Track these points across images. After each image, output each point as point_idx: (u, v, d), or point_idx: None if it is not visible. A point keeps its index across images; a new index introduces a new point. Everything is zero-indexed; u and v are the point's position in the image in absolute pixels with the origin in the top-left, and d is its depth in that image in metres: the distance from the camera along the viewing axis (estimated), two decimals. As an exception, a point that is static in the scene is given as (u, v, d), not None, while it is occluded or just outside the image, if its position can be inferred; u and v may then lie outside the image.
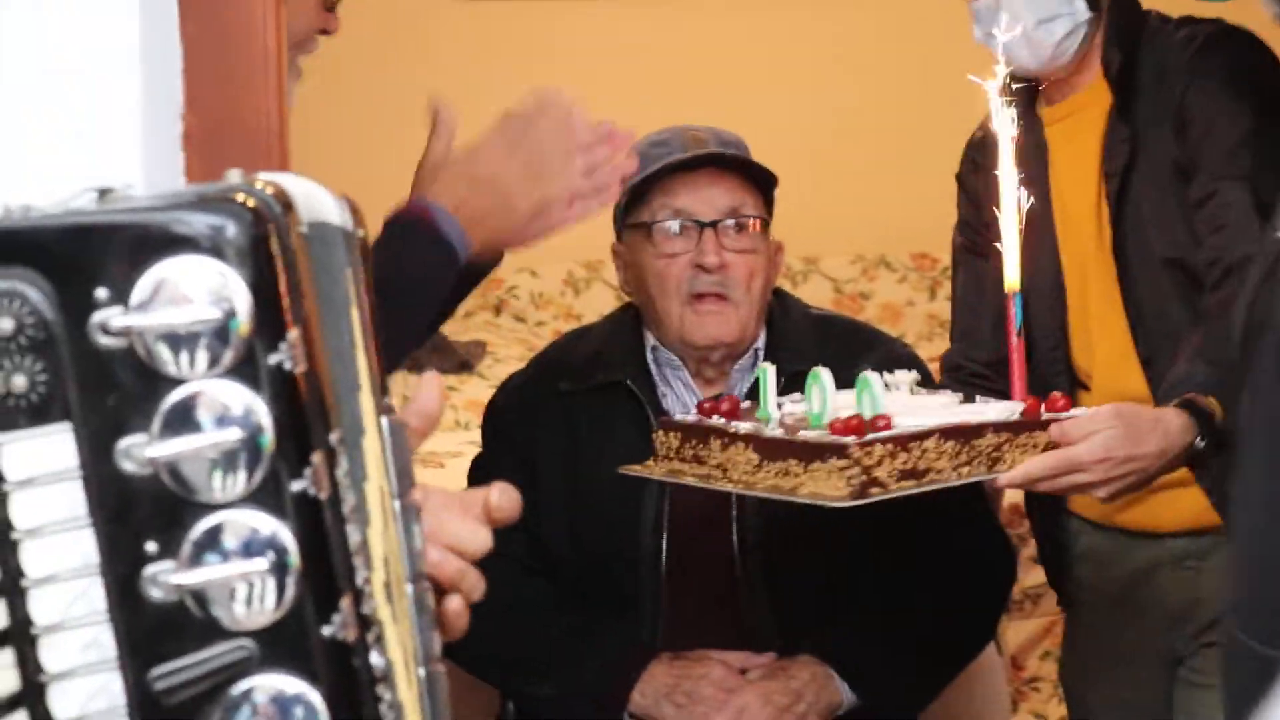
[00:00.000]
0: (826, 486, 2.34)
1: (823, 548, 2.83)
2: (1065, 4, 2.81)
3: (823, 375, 2.47)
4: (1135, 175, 2.83)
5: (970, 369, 3.01)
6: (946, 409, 2.51)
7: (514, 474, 2.92)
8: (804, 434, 2.42)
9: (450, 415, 5.04)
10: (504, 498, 1.35)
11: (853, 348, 2.99)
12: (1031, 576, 3.64)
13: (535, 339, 5.40)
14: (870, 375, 2.45)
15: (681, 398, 2.95)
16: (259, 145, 1.72)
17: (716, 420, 2.57)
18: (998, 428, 2.43)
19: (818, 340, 2.98)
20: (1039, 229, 2.89)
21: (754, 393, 2.92)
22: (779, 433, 2.46)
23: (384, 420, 1.18)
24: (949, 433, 2.39)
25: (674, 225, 2.90)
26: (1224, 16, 2.91)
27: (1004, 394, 2.90)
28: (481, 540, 1.32)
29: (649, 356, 2.98)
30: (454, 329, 5.19)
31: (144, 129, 1.61)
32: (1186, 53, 2.83)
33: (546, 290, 5.54)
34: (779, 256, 3.00)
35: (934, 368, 3.22)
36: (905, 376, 2.64)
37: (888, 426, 2.37)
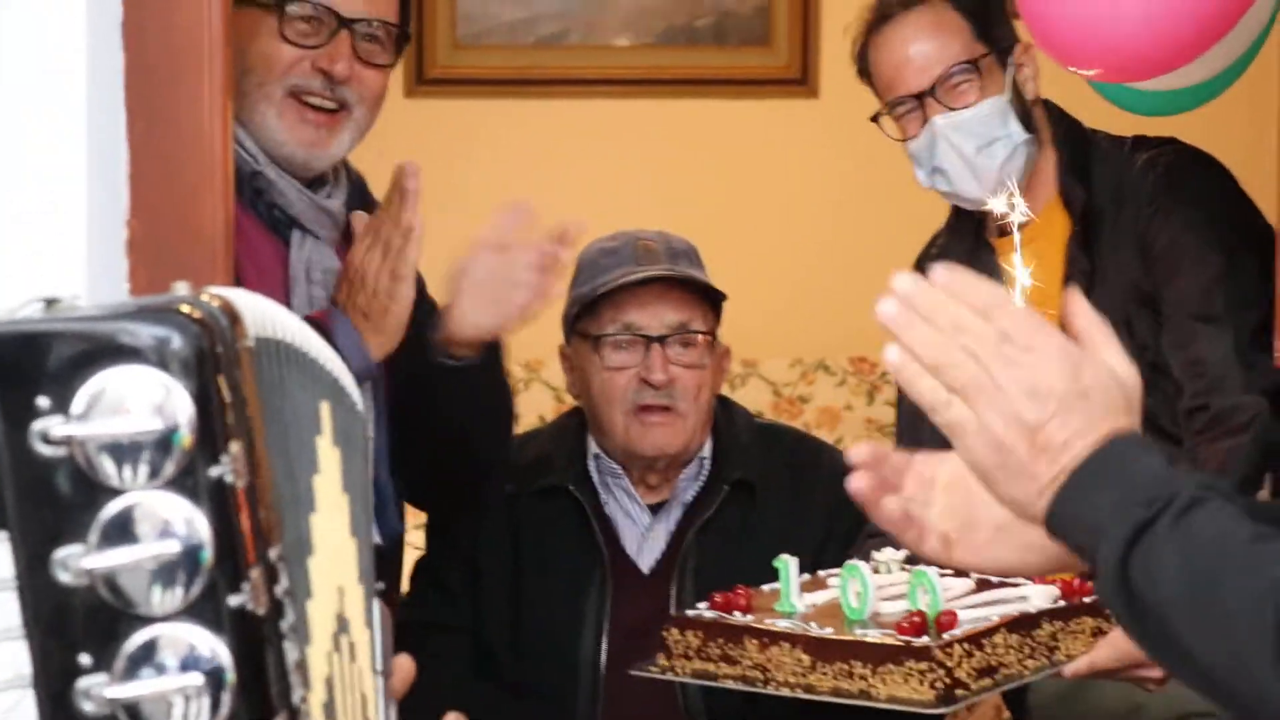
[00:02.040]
0: (905, 690, 2.27)
1: None
2: (1001, 127, 2.80)
3: (862, 569, 2.42)
4: (1093, 305, 2.83)
5: None
6: (975, 594, 2.48)
7: (458, 578, 2.91)
8: (865, 633, 2.34)
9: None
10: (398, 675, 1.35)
11: (798, 457, 2.99)
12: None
13: (473, 440, 5.37)
14: (882, 562, 2.47)
15: (623, 505, 2.95)
16: (204, 252, 1.70)
17: (744, 618, 2.45)
18: (1051, 615, 2.42)
19: (763, 450, 2.97)
20: None
21: (700, 500, 2.91)
22: (828, 632, 2.36)
23: (374, 606, 1.20)
24: (1013, 625, 2.37)
25: (621, 339, 2.89)
26: (1176, 133, 2.91)
27: None
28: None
29: (591, 464, 2.96)
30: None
31: (89, 235, 1.59)
32: (1147, 181, 2.82)
33: (484, 391, 5.50)
34: (725, 361, 3.00)
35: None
36: (893, 555, 2.60)
37: (954, 623, 2.32)
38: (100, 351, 0.99)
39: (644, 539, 2.94)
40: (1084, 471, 1.34)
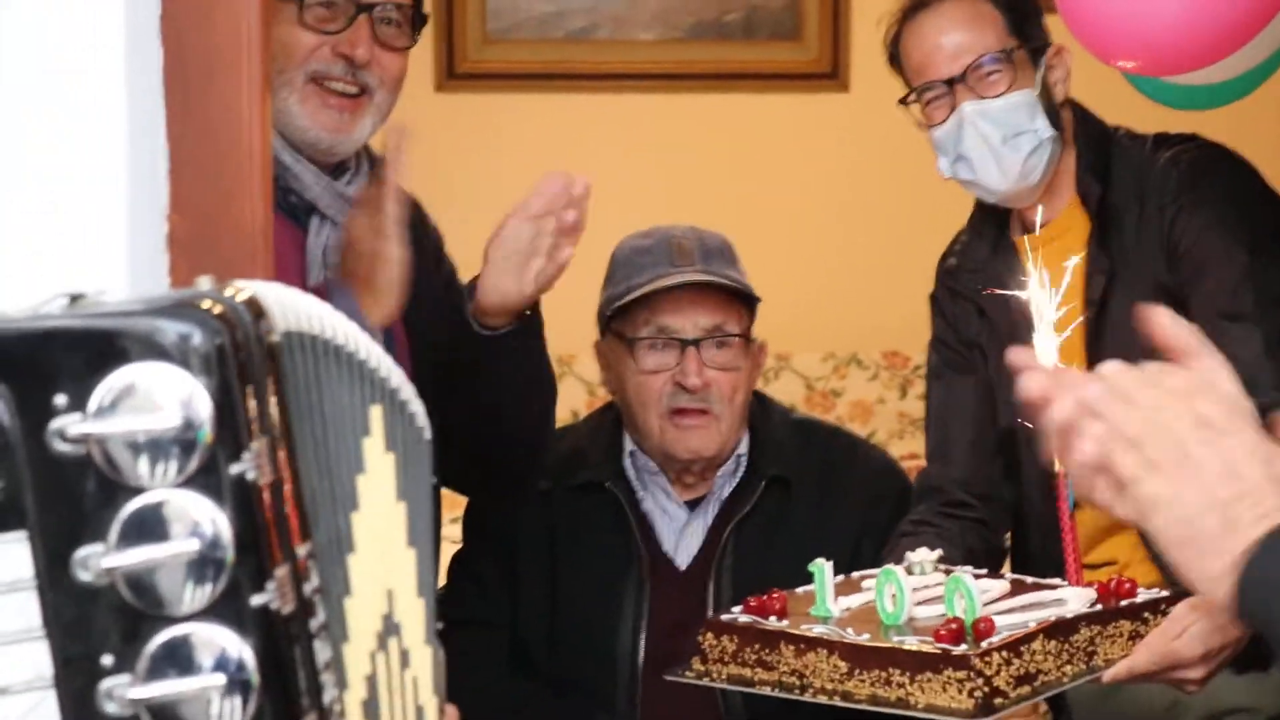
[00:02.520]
0: (943, 699, 2.24)
1: None
2: (1028, 120, 2.77)
3: (897, 573, 2.40)
4: (1113, 302, 2.80)
5: (949, 495, 2.94)
6: (1011, 597, 2.46)
7: (495, 574, 2.91)
8: (902, 640, 2.32)
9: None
10: None
11: (832, 454, 2.97)
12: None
13: (505, 433, 5.36)
14: (918, 565, 2.45)
15: (660, 502, 2.93)
16: (245, 246, 1.70)
17: (780, 623, 2.42)
18: (1089, 620, 2.40)
19: (798, 446, 2.96)
20: None
21: (737, 496, 2.90)
22: (864, 638, 2.33)
23: (434, 632, 1.18)
24: (1050, 631, 2.35)
25: (656, 342, 2.88)
26: (1204, 129, 2.88)
27: (984, 521, 2.87)
28: None
29: (626, 461, 2.95)
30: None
31: (130, 231, 1.59)
32: (1170, 178, 2.78)
33: (518, 385, 5.49)
34: (761, 357, 2.98)
35: (907, 466, 3.19)
36: (927, 555, 2.58)
37: (991, 630, 2.29)
38: (119, 348, 0.98)
39: (680, 535, 2.93)
40: (1275, 548, 1.37)
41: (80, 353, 0.97)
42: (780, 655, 2.39)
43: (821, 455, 2.95)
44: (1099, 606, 2.44)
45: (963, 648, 2.25)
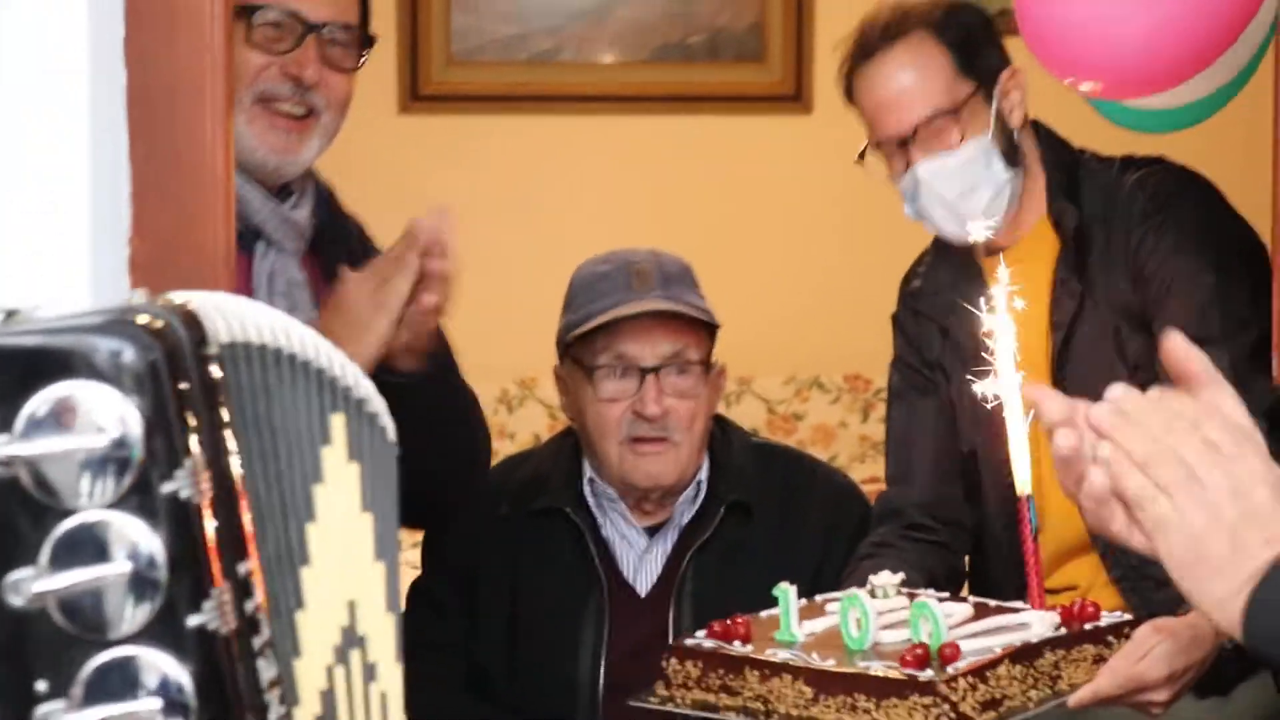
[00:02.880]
0: None
1: None
2: (983, 170, 2.75)
3: (862, 598, 2.39)
4: (1081, 325, 2.79)
5: (909, 517, 2.92)
6: (975, 621, 2.45)
7: (454, 599, 2.89)
8: (868, 665, 2.30)
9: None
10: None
11: (793, 478, 2.96)
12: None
13: (467, 458, 5.34)
14: (873, 589, 2.43)
15: (619, 528, 2.92)
16: (207, 270, 1.69)
17: (744, 648, 2.39)
18: (1053, 644, 2.39)
19: (759, 471, 2.95)
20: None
21: (697, 522, 2.89)
22: (830, 664, 2.32)
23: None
24: (1016, 656, 2.34)
25: (615, 370, 2.86)
26: (1173, 151, 2.88)
27: (945, 544, 2.85)
28: None
29: (585, 487, 2.93)
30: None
31: (92, 254, 1.58)
32: (1137, 201, 2.77)
33: (479, 408, 5.48)
34: (720, 381, 2.97)
35: (868, 489, 3.18)
36: (889, 579, 2.56)
37: (957, 655, 2.28)
38: (47, 366, 0.96)
39: (640, 562, 2.92)
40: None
41: (6, 371, 0.96)
42: (745, 680, 2.37)
43: (782, 480, 2.95)
44: (1063, 630, 2.43)
45: (929, 673, 2.24)
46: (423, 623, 2.89)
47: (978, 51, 2.76)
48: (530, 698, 2.87)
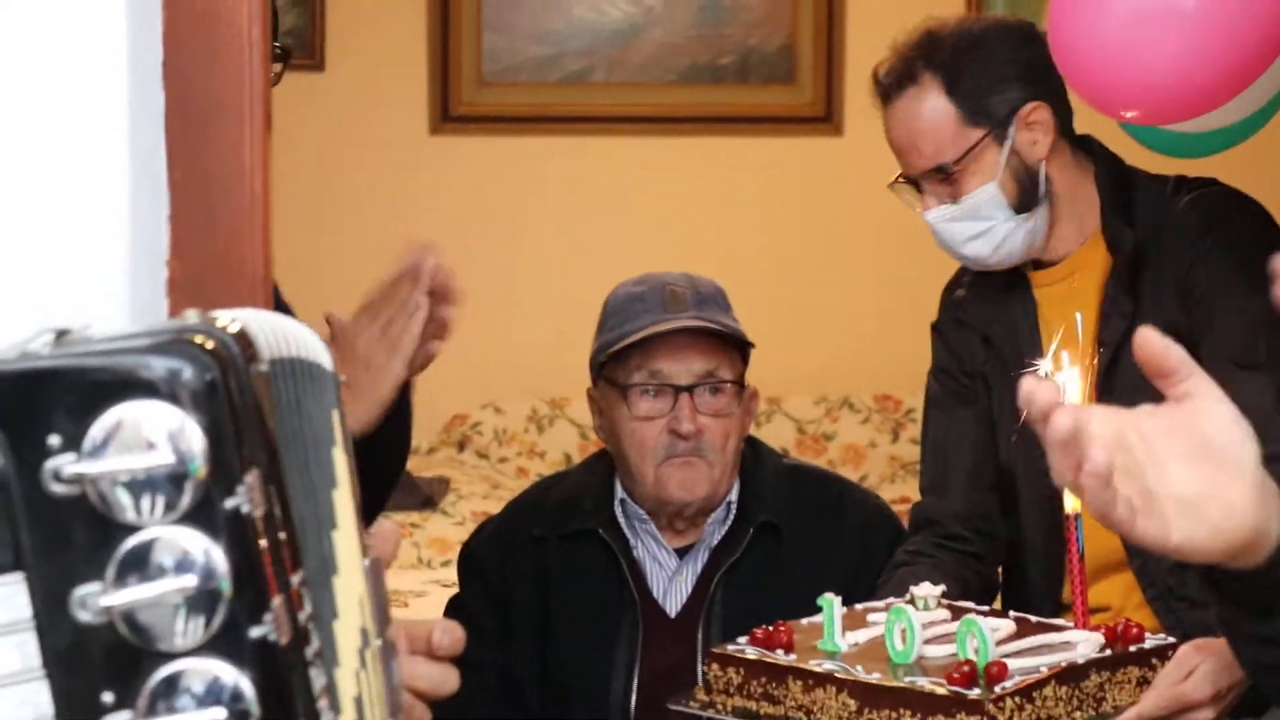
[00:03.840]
0: None
1: None
2: (993, 211, 2.76)
3: (908, 611, 2.40)
4: (1129, 345, 2.81)
5: (944, 528, 2.93)
6: (1019, 639, 2.46)
7: (489, 617, 2.92)
8: (914, 680, 2.30)
9: (413, 553, 5.00)
10: (446, 636, 1.33)
11: (825, 499, 2.98)
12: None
13: (498, 475, 5.36)
14: (911, 600, 2.45)
15: (650, 549, 2.94)
16: (244, 291, 1.70)
17: (788, 657, 2.41)
18: (1099, 665, 2.40)
19: (790, 491, 2.96)
20: None
21: (726, 543, 2.90)
22: (875, 678, 2.33)
23: (365, 561, 1.17)
24: (1062, 676, 2.34)
25: (650, 388, 2.88)
26: (1218, 173, 2.89)
27: (979, 555, 2.86)
28: (451, 683, 1.32)
29: (617, 508, 2.96)
30: (416, 465, 5.15)
31: (130, 275, 1.60)
32: (1190, 222, 2.78)
33: (510, 427, 5.50)
34: (753, 403, 2.99)
35: (899, 509, 3.19)
36: (930, 590, 2.58)
37: (1004, 674, 2.29)
38: (110, 387, 0.98)
39: (670, 583, 2.94)
40: None
41: (73, 392, 0.98)
42: (787, 690, 2.38)
43: (813, 501, 2.96)
44: (1108, 651, 2.44)
45: (976, 691, 2.25)
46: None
47: (987, 95, 2.77)
48: (563, 717, 2.89)
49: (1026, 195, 2.78)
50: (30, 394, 0.98)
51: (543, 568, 2.94)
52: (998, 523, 2.93)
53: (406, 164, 5.59)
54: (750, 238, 5.61)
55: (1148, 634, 2.50)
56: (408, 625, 1.34)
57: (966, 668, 2.28)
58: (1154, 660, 2.47)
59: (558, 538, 2.95)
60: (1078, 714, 2.37)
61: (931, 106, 2.76)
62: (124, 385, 0.98)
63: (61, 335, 1.03)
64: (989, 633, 2.34)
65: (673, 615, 2.92)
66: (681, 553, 2.95)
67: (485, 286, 5.68)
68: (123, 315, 1.58)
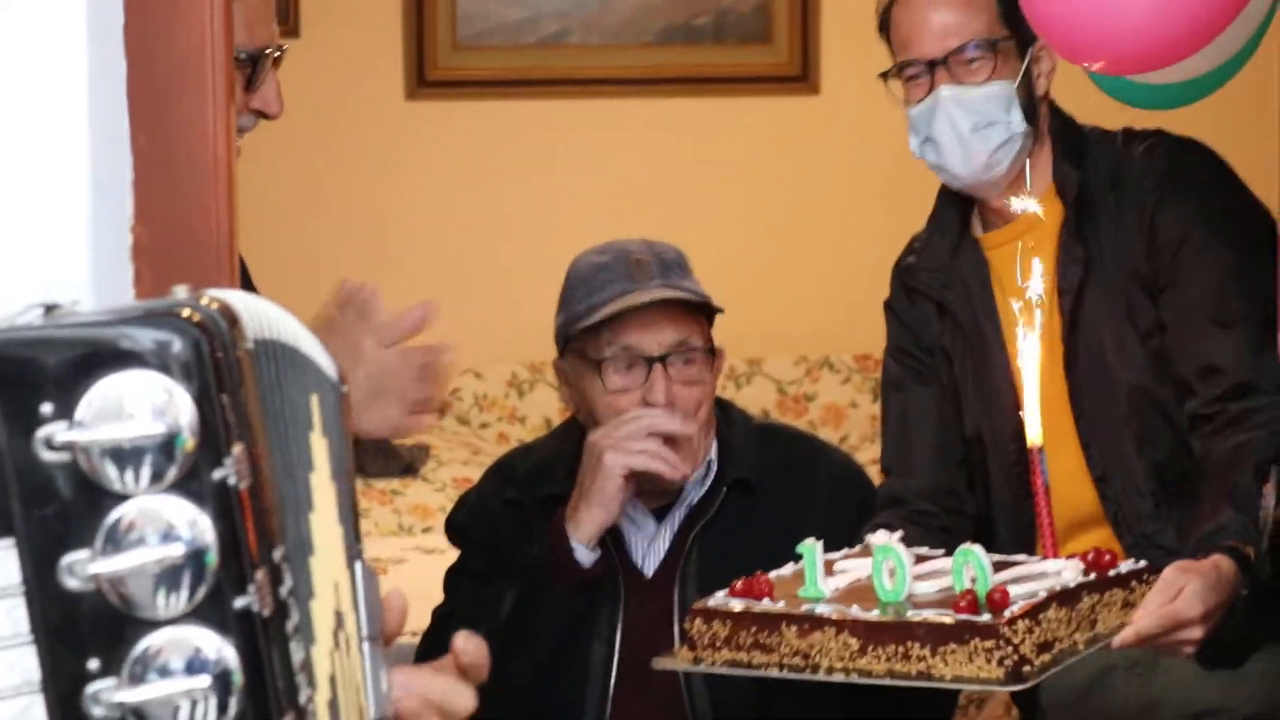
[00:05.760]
0: (970, 669, 2.24)
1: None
2: (1003, 112, 2.79)
3: (896, 549, 2.39)
4: (1089, 291, 2.83)
5: (912, 505, 2.94)
6: (1003, 570, 2.46)
7: (487, 574, 2.94)
8: (919, 615, 2.30)
9: (394, 519, 5.01)
10: (469, 643, 1.35)
11: (796, 457, 2.99)
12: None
13: (479, 441, 5.37)
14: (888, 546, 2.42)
15: (627, 513, 2.94)
16: (209, 257, 1.71)
17: (776, 605, 2.38)
18: (1089, 588, 2.42)
19: (761, 450, 2.98)
20: (992, 362, 2.88)
21: (702, 503, 2.92)
22: (875, 614, 2.31)
23: (357, 565, 1.19)
24: (1061, 599, 2.36)
25: (622, 362, 2.89)
26: (1180, 126, 2.92)
27: (947, 529, 2.88)
28: (468, 700, 1.34)
29: (589, 474, 2.97)
30: (397, 431, 5.14)
31: (93, 240, 1.60)
32: (1149, 168, 2.82)
33: (490, 392, 5.51)
34: (720, 362, 2.99)
35: (873, 471, 3.20)
36: (887, 537, 2.55)
37: (1008, 600, 2.29)
38: (102, 357, 1.00)
39: (650, 544, 2.95)
40: None
41: (65, 362, 0.99)
42: (781, 637, 2.35)
43: (784, 459, 2.98)
44: (1092, 575, 2.46)
45: (986, 617, 2.25)
46: (468, 593, 2.95)
47: (1019, 11, 2.82)
48: (545, 677, 2.91)
49: (1029, 115, 2.81)
50: (22, 364, 1.00)
51: (525, 529, 2.96)
52: (965, 498, 2.94)
53: (383, 130, 5.58)
54: (729, 198, 5.62)
55: (1120, 561, 2.53)
56: (435, 665, 1.36)
57: (969, 597, 2.28)
58: (1133, 583, 2.50)
59: (533, 501, 2.97)
60: (1077, 635, 2.38)
61: None
62: (115, 356, 1.00)
63: (50, 310, 1.05)
64: (987, 561, 2.34)
65: (649, 575, 2.94)
66: (659, 514, 2.96)
67: (463, 252, 5.69)
68: (86, 280, 1.59)
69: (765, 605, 2.40)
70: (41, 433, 1.00)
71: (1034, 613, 2.29)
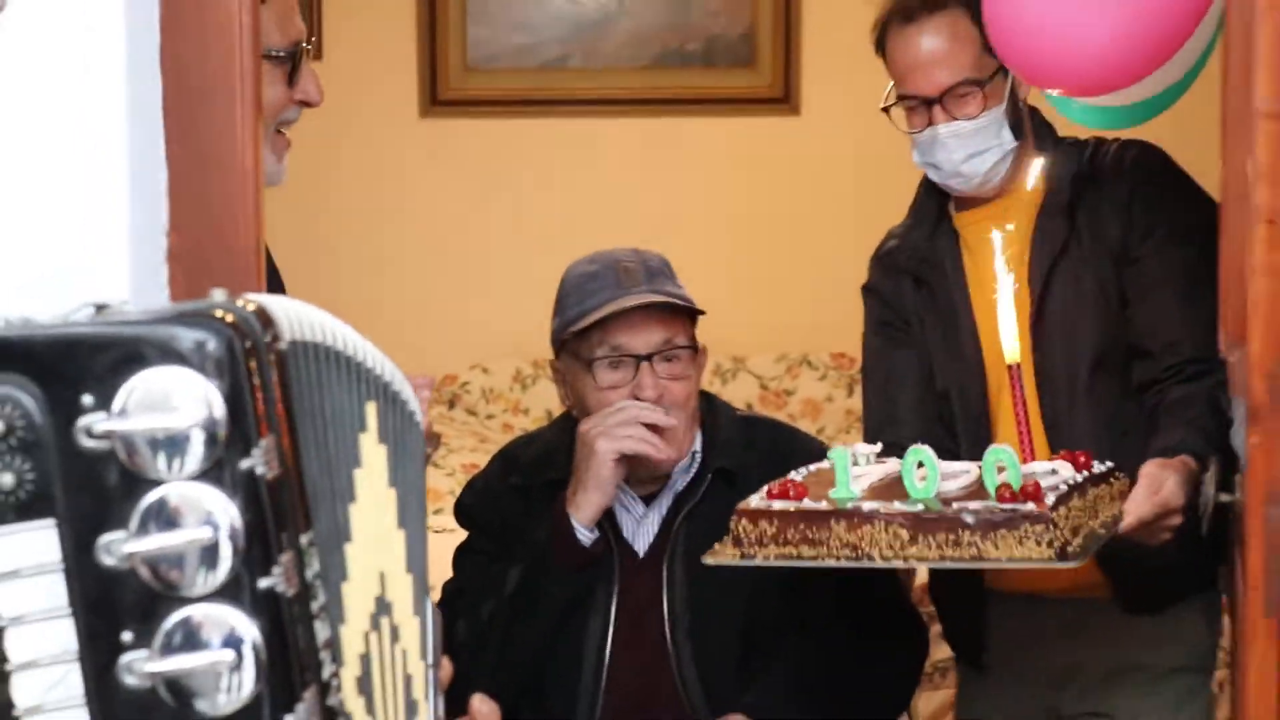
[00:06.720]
0: (1020, 551, 2.23)
1: (747, 621, 2.86)
2: (995, 137, 2.81)
3: (926, 451, 2.37)
4: (1061, 266, 2.84)
5: (905, 447, 2.96)
6: (968, 473, 2.44)
7: (494, 552, 2.94)
8: (966, 505, 2.26)
9: (406, 503, 5.01)
10: (484, 705, 1.36)
11: (776, 446, 2.99)
12: (940, 650, 3.62)
13: (486, 430, 5.37)
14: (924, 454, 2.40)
15: (620, 499, 2.95)
16: (238, 262, 1.71)
17: (817, 504, 2.33)
18: (1094, 480, 2.47)
19: (743, 440, 2.98)
20: (960, 325, 2.89)
21: (688, 490, 2.92)
22: (920, 508, 2.27)
23: (426, 599, 1.22)
24: (1078, 490, 2.39)
25: (612, 361, 2.90)
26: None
27: None
28: None
29: (585, 464, 2.97)
30: (412, 422, 5.15)
31: (131, 246, 1.60)
32: (1124, 161, 2.84)
33: (496, 386, 5.52)
34: (703, 358, 3.00)
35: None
36: (868, 448, 2.62)
37: (1040, 491, 2.28)
38: (141, 353, 1.00)
39: (639, 526, 2.96)
40: None
41: (106, 357, 1.00)
42: (830, 531, 2.30)
43: (764, 447, 2.98)
44: (1084, 474, 2.48)
45: (1030, 506, 2.24)
46: (475, 570, 2.95)
47: None
48: (546, 647, 2.90)
49: (1016, 130, 2.83)
50: (66, 357, 1.00)
51: (528, 512, 2.96)
52: (947, 447, 2.94)
53: (398, 144, 5.59)
54: (716, 209, 5.62)
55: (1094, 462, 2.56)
56: None
57: (1008, 490, 2.26)
58: (1110, 480, 2.55)
59: (537, 486, 2.97)
60: (1092, 522, 2.40)
61: (963, 29, 2.79)
62: (153, 352, 1.00)
63: (101, 309, 1.05)
64: (1016, 458, 2.32)
65: (641, 555, 2.94)
66: (648, 499, 2.97)
67: (472, 257, 5.69)
68: (125, 283, 1.59)
69: (812, 504, 2.35)
70: (82, 422, 1.00)
71: (1065, 501, 2.32)
